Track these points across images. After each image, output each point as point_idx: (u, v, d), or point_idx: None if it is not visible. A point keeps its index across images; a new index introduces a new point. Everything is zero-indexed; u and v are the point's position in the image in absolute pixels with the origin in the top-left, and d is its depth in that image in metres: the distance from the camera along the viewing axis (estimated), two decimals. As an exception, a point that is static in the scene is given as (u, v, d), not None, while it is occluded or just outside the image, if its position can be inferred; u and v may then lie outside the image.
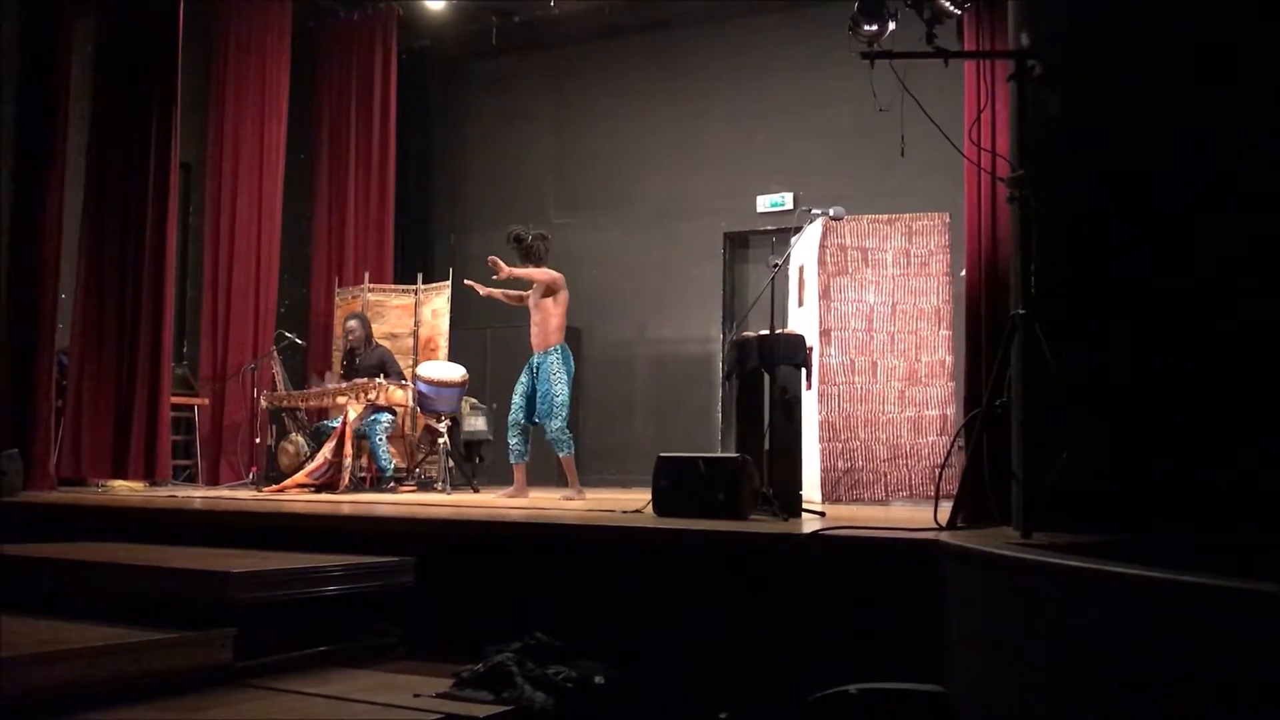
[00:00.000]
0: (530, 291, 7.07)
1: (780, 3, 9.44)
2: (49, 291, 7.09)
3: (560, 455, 6.94)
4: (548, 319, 6.91)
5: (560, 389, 6.85)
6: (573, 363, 7.03)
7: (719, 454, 7.31)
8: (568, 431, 6.91)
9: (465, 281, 7.39)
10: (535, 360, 6.97)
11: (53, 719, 3.01)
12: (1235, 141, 3.83)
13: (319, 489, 7.27)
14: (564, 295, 6.98)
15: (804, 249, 7.04)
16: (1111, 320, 3.93)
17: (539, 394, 6.91)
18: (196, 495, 6.97)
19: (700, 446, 8.90)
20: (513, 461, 7.01)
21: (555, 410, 6.84)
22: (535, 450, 7.27)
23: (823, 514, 5.27)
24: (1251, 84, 3.83)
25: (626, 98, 10.32)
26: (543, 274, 6.96)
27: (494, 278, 7.03)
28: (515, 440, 6.98)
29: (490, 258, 6.94)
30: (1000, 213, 5.39)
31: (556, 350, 6.91)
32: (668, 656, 3.98)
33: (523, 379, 7.03)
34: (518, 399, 6.99)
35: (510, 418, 7.02)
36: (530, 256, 7.04)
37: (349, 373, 8.14)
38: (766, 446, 5.31)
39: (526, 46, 10.46)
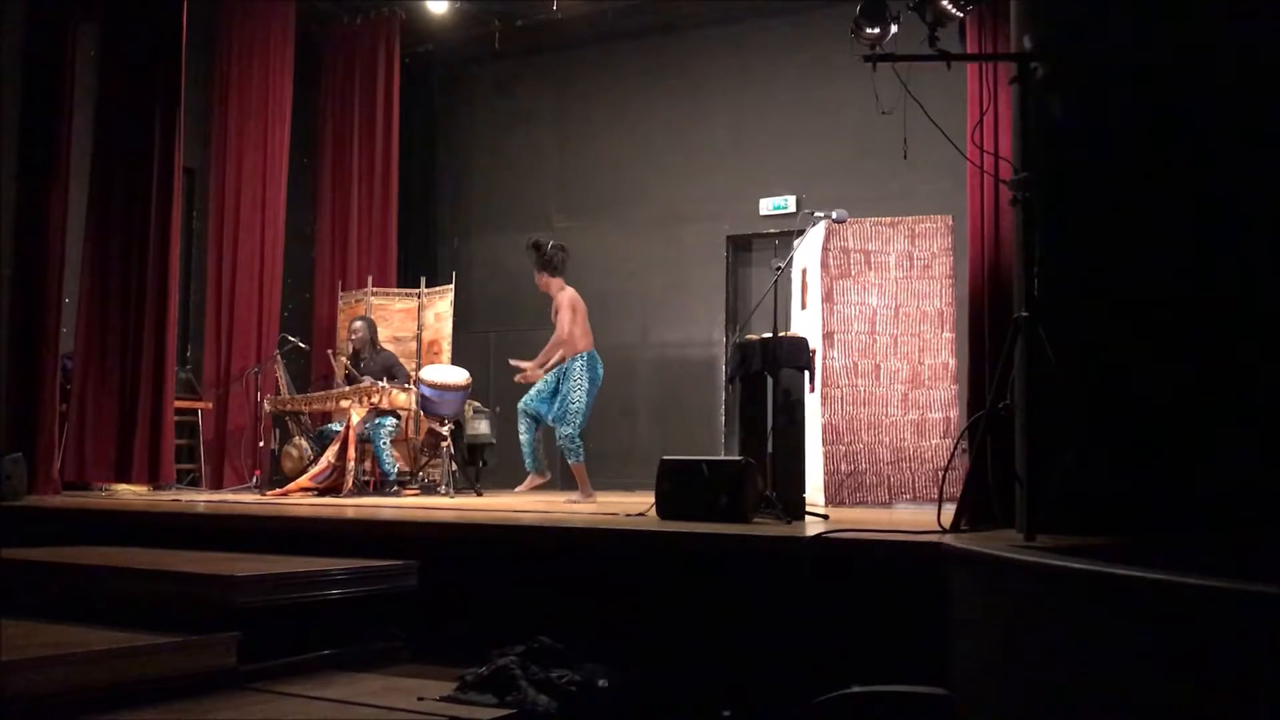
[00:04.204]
0: (552, 311, 7.32)
1: (783, 5, 9.44)
2: (53, 296, 7.10)
3: (570, 463, 7.06)
4: (570, 329, 7.18)
5: (578, 395, 7.03)
6: (600, 370, 7.23)
7: (722, 457, 7.32)
8: (577, 440, 7.01)
9: (517, 378, 7.44)
10: (564, 365, 7.18)
11: (56, 723, 3.02)
12: (1238, 144, 3.83)
13: (323, 493, 7.28)
14: (581, 308, 7.24)
15: (807, 252, 7.04)
16: (1114, 322, 3.92)
17: (559, 394, 7.11)
18: (200, 499, 6.97)
19: (703, 450, 8.89)
20: (529, 469, 7.16)
21: (569, 416, 7.01)
22: (544, 454, 7.36)
23: (826, 517, 5.27)
24: (1255, 86, 3.82)
25: (629, 101, 10.32)
26: (561, 325, 7.15)
27: (518, 379, 7.32)
28: (523, 436, 7.10)
29: (513, 364, 7.28)
30: (1003, 215, 5.39)
31: (583, 357, 7.14)
32: (671, 659, 3.98)
33: (548, 377, 7.17)
34: (535, 390, 7.19)
35: (519, 404, 7.16)
36: (547, 266, 7.31)
37: (353, 375, 8.14)
38: (770, 449, 5.31)
39: (529, 50, 10.46)
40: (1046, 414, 3.89)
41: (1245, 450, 3.68)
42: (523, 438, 7.22)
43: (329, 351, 8.99)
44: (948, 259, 6.93)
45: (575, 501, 6.83)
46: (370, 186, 9.87)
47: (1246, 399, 3.72)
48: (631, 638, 4.04)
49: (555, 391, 7.15)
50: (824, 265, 6.87)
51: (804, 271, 7.24)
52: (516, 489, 7.49)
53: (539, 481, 7.35)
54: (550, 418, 7.17)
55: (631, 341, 10.04)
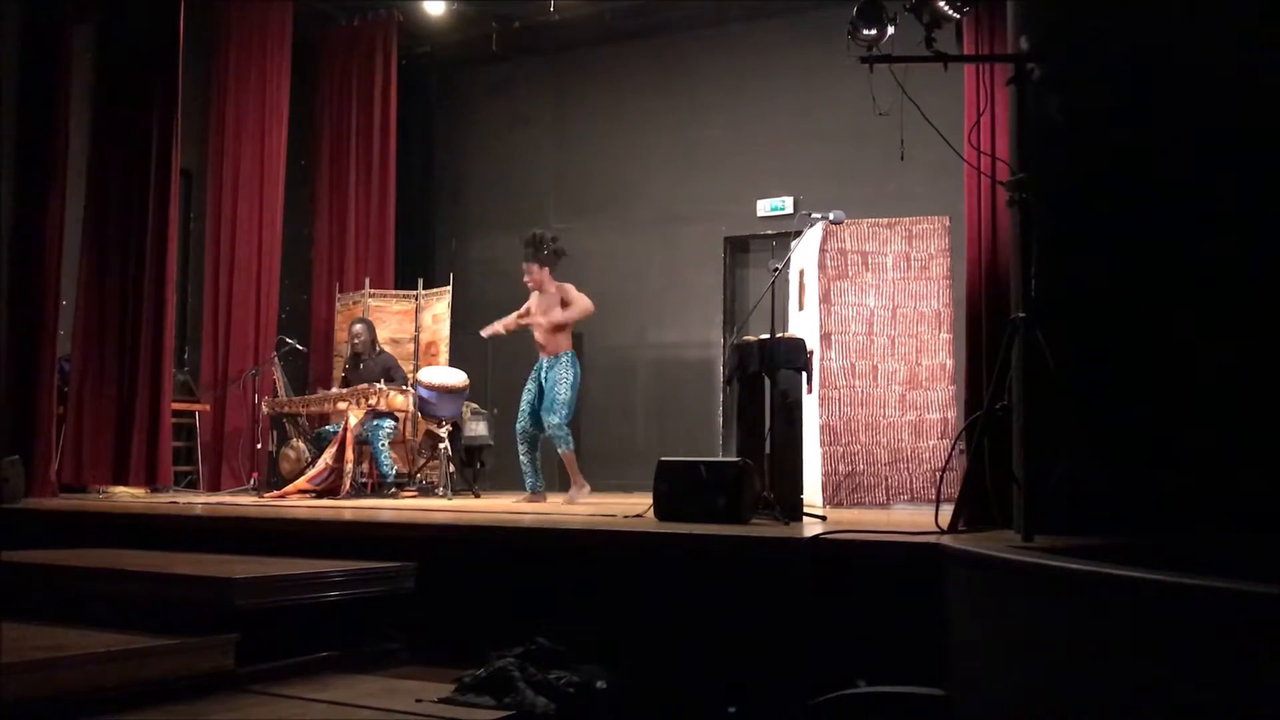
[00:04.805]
0: (536, 302, 7.25)
1: (780, 6, 9.45)
2: (50, 298, 7.09)
3: (560, 451, 7.05)
4: (559, 327, 7.14)
5: (564, 388, 7.03)
6: (580, 369, 7.21)
7: (720, 458, 7.31)
8: (566, 428, 7.01)
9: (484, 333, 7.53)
10: (545, 363, 7.15)
11: (55, 725, 3.02)
12: (1237, 144, 3.83)
13: (320, 495, 7.27)
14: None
15: (804, 253, 7.05)
16: (1112, 323, 3.93)
17: (544, 392, 7.07)
18: (198, 501, 6.97)
19: (701, 451, 8.89)
20: (528, 489, 7.10)
21: (556, 407, 7.00)
22: (540, 456, 7.34)
23: (824, 518, 5.27)
24: (1250, 86, 3.83)
25: (626, 102, 10.32)
26: (581, 304, 7.21)
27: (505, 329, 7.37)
28: (524, 457, 7.07)
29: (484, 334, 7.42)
30: (1000, 216, 5.39)
31: (566, 355, 7.13)
32: (669, 661, 3.98)
33: (529, 386, 7.15)
34: (524, 407, 7.11)
35: (517, 426, 7.13)
36: (544, 259, 7.25)
37: (353, 377, 8.14)
38: (767, 450, 5.32)
39: (526, 51, 10.47)
40: (1044, 415, 3.89)
41: (1244, 450, 3.69)
42: (523, 459, 7.15)
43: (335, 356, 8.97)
44: (945, 260, 6.93)
45: (571, 499, 6.83)
46: (368, 188, 9.87)
47: (1245, 399, 3.72)
48: (630, 639, 4.04)
49: (538, 399, 7.12)
50: (821, 266, 6.87)
51: (801, 272, 7.24)
52: (515, 501, 7.41)
53: (534, 501, 7.23)
54: (540, 414, 7.11)
55: (629, 342, 10.05)
